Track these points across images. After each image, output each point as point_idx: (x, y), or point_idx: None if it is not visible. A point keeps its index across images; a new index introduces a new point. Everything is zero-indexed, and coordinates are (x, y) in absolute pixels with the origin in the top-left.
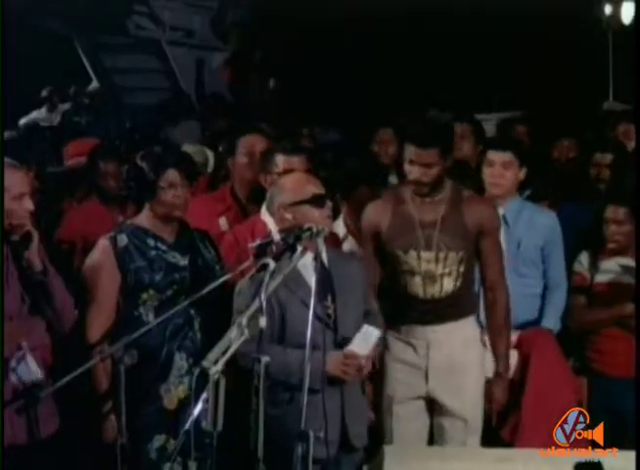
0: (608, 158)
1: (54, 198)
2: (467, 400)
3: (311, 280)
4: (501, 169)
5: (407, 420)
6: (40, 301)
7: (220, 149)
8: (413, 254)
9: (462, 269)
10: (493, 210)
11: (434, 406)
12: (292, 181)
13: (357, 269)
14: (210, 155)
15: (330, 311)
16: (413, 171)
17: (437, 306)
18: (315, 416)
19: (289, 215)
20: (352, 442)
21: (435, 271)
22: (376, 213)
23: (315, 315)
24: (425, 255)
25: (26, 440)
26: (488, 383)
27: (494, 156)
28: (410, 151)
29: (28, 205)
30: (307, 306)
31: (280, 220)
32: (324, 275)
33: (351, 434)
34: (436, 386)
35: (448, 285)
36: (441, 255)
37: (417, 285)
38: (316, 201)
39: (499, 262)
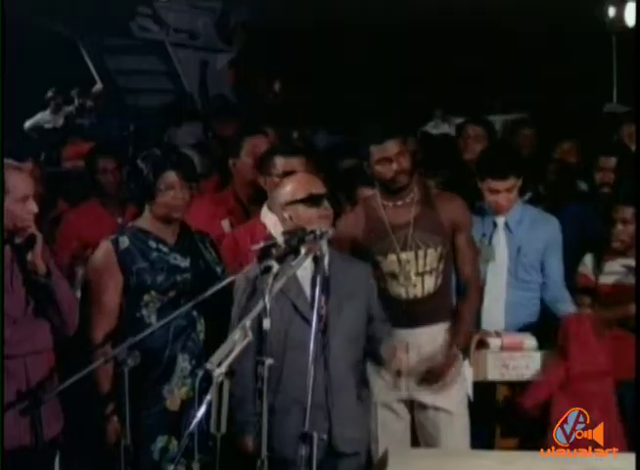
0: (612, 161)
1: (50, 199)
2: (448, 395)
3: (305, 282)
4: (506, 194)
5: (391, 423)
6: (44, 303)
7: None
8: (392, 257)
9: (441, 267)
10: (465, 206)
11: (414, 405)
12: (292, 181)
13: (361, 274)
14: (197, 159)
15: (322, 312)
16: (390, 167)
17: (418, 308)
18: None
19: (286, 215)
20: (338, 447)
21: (417, 270)
22: (349, 225)
23: (302, 316)
24: (404, 255)
25: (30, 442)
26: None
27: (497, 185)
28: (375, 150)
29: (32, 207)
30: (297, 309)
31: (281, 220)
32: (320, 275)
33: (338, 439)
34: (417, 389)
35: (429, 284)
36: (421, 252)
37: (399, 286)
38: (312, 200)
39: (474, 258)
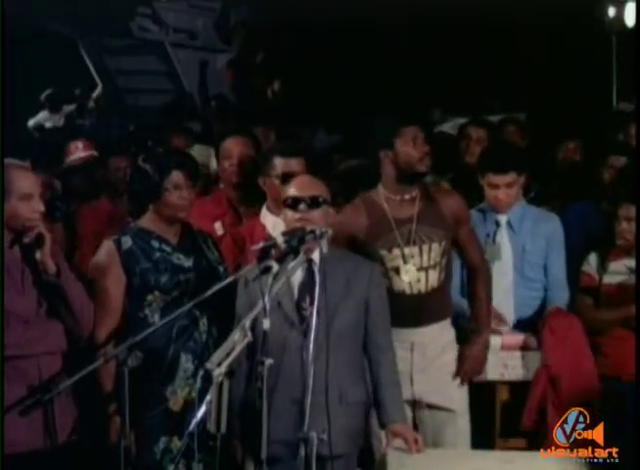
0: (622, 160)
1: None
2: (451, 394)
3: (295, 283)
4: (505, 190)
5: None
6: (56, 304)
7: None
8: (397, 251)
9: (444, 262)
10: (464, 201)
11: (417, 404)
12: (291, 184)
13: (364, 275)
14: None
15: (305, 314)
16: (418, 149)
17: (423, 304)
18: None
19: (282, 215)
20: (317, 449)
21: (421, 265)
22: (349, 221)
23: (285, 315)
24: (408, 250)
25: (44, 444)
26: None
27: (497, 179)
28: (407, 131)
29: (38, 206)
30: (282, 308)
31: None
32: (309, 278)
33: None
34: (422, 388)
35: (433, 278)
36: (425, 247)
37: (403, 281)
38: (288, 202)
39: (479, 246)
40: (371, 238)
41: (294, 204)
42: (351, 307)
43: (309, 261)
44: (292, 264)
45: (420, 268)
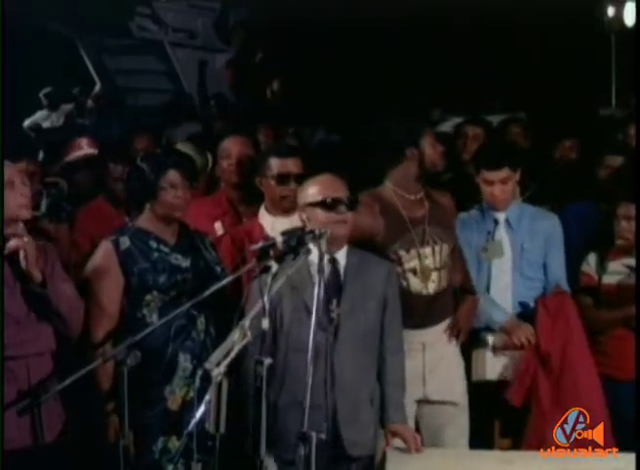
0: (619, 160)
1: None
2: (455, 389)
3: (321, 284)
4: (500, 186)
5: None
6: (43, 309)
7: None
8: (414, 252)
9: (450, 262)
10: (452, 199)
11: (421, 402)
12: (313, 183)
13: (381, 275)
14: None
15: (333, 316)
16: (437, 149)
17: (433, 304)
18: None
19: (305, 216)
20: (347, 450)
21: (434, 265)
22: (367, 220)
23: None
24: (423, 250)
25: (31, 443)
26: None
27: (491, 176)
28: (429, 132)
29: (19, 199)
30: (308, 310)
31: (300, 220)
32: (334, 278)
33: (346, 442)
34: (432, 387)
35: (444, 279)
36: (437, 248)
37: (419, 282)
38: (328, 204)
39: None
40: (388, 238)
41: (332, 205)
42: (372, 308)
43: (333, 262)
44: (295, 263)
45: (434, 269)
